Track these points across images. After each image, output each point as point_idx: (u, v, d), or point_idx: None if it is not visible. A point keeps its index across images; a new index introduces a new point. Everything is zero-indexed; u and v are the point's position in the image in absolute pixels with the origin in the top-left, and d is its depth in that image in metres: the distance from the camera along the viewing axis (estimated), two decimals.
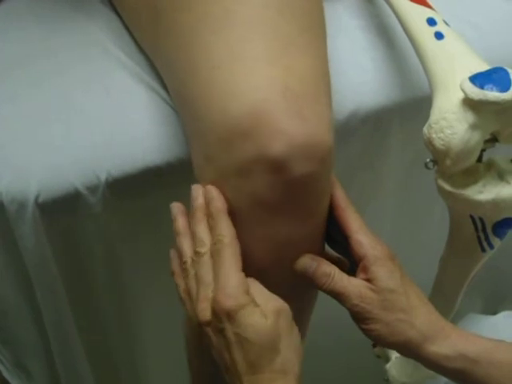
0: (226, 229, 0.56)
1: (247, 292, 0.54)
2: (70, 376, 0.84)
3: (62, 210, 0.69)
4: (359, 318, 0.58)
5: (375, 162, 0.82)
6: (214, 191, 0.57)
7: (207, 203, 0.57)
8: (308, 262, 0.59)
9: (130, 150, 0.70)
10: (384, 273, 0.58)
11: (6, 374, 0.85)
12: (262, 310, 0.54)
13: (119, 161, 0.69)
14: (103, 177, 0.69)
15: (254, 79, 0.55)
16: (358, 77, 0.76)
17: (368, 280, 0.58)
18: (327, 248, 0.64)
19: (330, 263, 0.60)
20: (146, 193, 0.71)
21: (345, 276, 0.59)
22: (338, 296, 0.59)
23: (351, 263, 0.62)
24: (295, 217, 0.57)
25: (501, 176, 0.60)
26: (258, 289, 0.56)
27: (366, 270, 0.59)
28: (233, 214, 0.56)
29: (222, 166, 0.56)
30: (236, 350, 0.53)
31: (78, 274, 0.76)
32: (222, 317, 0.53)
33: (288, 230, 0.57)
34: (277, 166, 0.53)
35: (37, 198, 0.67)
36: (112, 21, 0.78)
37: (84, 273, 0.76)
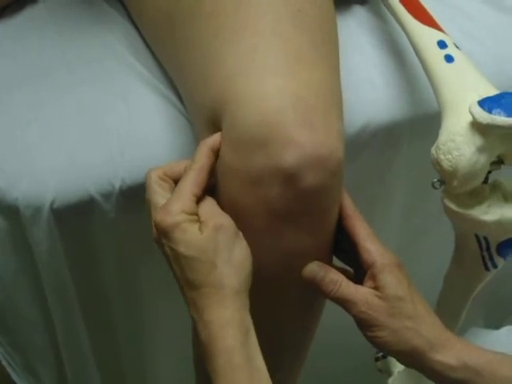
0: (200, 157, 0.56)
1: (189, 212, 0.54)
2: (78, 380, 0.84)
3: (77, 216, 0.70)
4: (365, 325, 0.58)
5: (384, 176, 0.82)
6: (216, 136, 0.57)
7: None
8: (316, 269, 0.59)
9: (144, 159, 0.70)
10: (392, 280, 0.58)
11: (14, 377, 0.85)
12: (200, 226, 0.54)
13: (133, 169, 0.70)
14: (117, 184, 0.70)
15: (266, 89, 0.55)
16: (369, 92, 0.76)
17: (376, 288, 0.58)
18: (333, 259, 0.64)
19: (337, 271, 0.60)
20: None
21: (351, 284, 0.59)
22: (344, 303, 0.58)
23: (357, 274, 0.62)
24: (305, 227, 0.57)
25: (506, 197, 0.61)
26: (208, 206, 0.56)
27: (374, 277, 0.58)
28: (244, 221, 0.56)
29: (235, 173, 0.56)
30: (175, 266, 0.54)
31: (91, 278, 0.76)
32: (161, 233, 0.54)
33: (297, 239, 0.57)
34: (287, 176, 0.53)
35: (52, 203, 0.68)
36: (130, 33, 0.79)
37: (96, 277, 0.77)
